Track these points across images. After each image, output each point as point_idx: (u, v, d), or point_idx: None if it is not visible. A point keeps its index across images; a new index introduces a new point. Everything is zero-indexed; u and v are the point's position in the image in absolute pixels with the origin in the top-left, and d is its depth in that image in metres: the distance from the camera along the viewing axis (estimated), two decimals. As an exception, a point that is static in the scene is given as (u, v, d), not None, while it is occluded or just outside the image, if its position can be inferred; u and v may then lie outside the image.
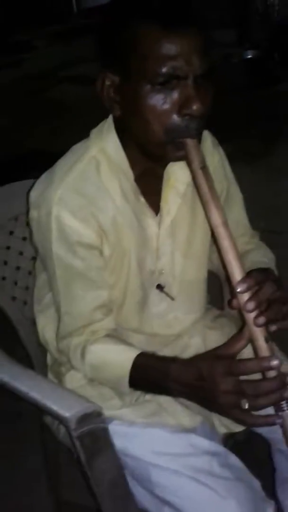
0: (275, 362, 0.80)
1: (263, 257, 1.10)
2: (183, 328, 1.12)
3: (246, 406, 0.80)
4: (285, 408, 0.82)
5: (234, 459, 0.98)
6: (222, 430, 1.07)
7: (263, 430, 1.11)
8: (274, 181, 3.39)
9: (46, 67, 7.54)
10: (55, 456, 1.23)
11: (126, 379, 0.93)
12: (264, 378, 0.82)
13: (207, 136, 1.09)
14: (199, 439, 0.98)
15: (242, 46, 6.70)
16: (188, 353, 1.08)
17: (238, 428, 1.07)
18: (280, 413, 0.83)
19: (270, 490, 1.07)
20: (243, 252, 1.14)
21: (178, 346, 1.11)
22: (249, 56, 6.21)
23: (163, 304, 1.08)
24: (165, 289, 1.07)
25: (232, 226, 1.13)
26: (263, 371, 0.82)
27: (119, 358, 0.94)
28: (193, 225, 1.06)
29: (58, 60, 7.64)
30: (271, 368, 0.81)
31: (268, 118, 4.63)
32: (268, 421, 0.83)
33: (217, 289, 1.23)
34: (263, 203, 2.99)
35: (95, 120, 1.02)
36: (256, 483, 0.97)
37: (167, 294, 1.07)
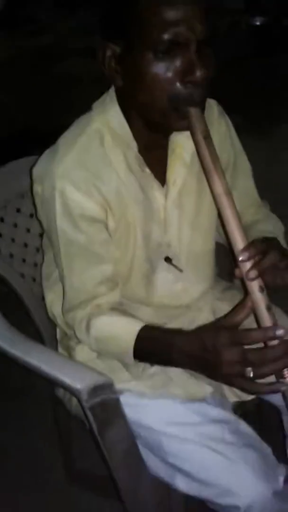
0: (280, 332, 0.81)
1: (272, 227, 1.10)
2: (191, 299, 1.12)
3: (251, 375, 0.80)
4: (287, 376, 0.83)
5: (244, 427, 1.00)
6: (232, 398, 1.08)
7: (273, 399, 1.12)
8: (286, 151, 3.34)
9: (52, 41, 7.42)
10: (67, 428, 1.26)
11: (131, 351, 0.94)
12: (268, 346, 0.82)
13: (213, 104, 1.07)
14: (209, 407, 1.00)
15: (250, 13, 6.54)
16: (197, 324, 1.09)
17: (249, 396, 1.08)
18: (281, 381, 0.83)
19: (282, 456, 1.09)
20: (251, 222, 1.14)
21: (187, 318, 1.12)
22: (257, 23, 6.06)
23: (171, 276, 1.08)
24: (173, 262, 1.07)
25: (240, 197, 1.13)
26: (268, 340, 0.82)
27: (124, 331, 0.95)
28: (200, 196, 1.05)
29: (63, 32, 7.52)
30: (275, 338, 0.81)
31: (278, 86, 4.55)
32: (273, 389, 0.84)
33: (226, 261, 1.23)
34: (275, 174, 2.96)
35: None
36: (267, 449, 0.99)
37: (176, 266, 1.07)
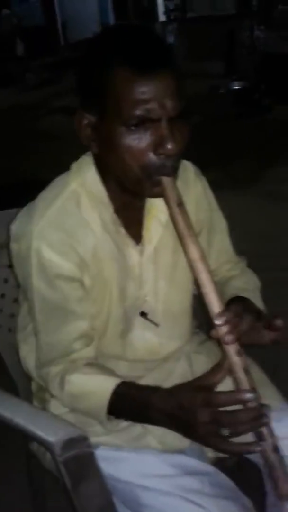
0: (249, 395, 0.82)
1: (246, 284, 1.12)
2: (167, 353, 1.12)
3: (226, 433, 0.81)
4: (267, 438, 0.84)
5: (224, 479, 0.98)
6: (211, 454, 1.06)
7: (252, 456, 1.11)
8: (262, 206, 3.44)
9: (36, 98, 7.67)
10: (41, 484, 1.21)
11: (105, 409, 0.93)
12: (241, 409, 0.83)
13: (189, 166, 1.11)
14: (187, 459, 0.98)
15: (229, 77, 6.86)
16: (173, 378, 1.09)
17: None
18: (261, 442, 0.84)
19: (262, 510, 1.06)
20: (227, 278, 1.16)
21: (164, 371, 1.11)
22: (236, 87, 6.34)
23: (147, 331, 1.08)
24: (149, 316, 1.07)
25: (216, 254, 1.17)
26: (239, 403, 0.83)
27: (98, 388, 0.94)
28: (176, 251, 1.07)
29: (48, 91, 7.79)
30: (246, 401, 0.82)
31: (255, 146, 4.72)
32: (248, 449, 0.84)
33: (205, 313, 1.24)
34: (251, 227, 3.03)
35: (85, 149, 1.04)
36: (248, 502, 0.96)
37: (151, 321, 1.08)
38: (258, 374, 1.15)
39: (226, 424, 0.81)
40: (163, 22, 9.35)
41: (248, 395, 0.82)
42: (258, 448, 0.82)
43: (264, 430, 0.83)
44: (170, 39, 8.94)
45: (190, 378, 1.06)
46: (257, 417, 0.81)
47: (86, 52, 0.91)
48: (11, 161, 4.53)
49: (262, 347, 0.94)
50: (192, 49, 8.54)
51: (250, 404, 0.82)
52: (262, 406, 0.83)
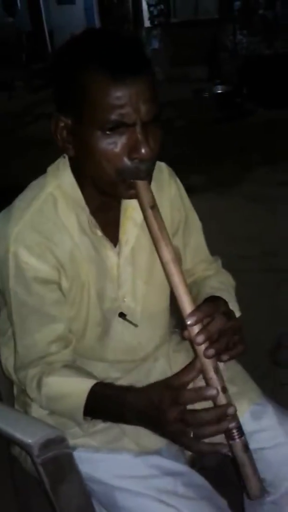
0: (213, 392, 0.84)
1: (221, 284, 1.14)
2: (146, 353, 1.14)
3: (191, 435, 0.83)
4: (236, 437, 0.86)
5: (198, 479, 0.99)
6: (189, 451, 1.07)
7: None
8: (244, 208, 3.46)
9: (23, 105, 7.66)
10: (25, 488, 1.21)
11: (81, 410, 0.94)
12: (205, 409, 0.85)
13: (163, 168, 1.13)
14: (162, 460, 0.99)
15: (213, 81, 6.91)
16: (153, 377, 1.09)
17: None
18: (230, 442, 0.86)
19: (239, 510, 1.07)
20: (202, 278, 1.18)
21: (143, 370, 1.13)
22: (219, 91, 6.38)
23: (126, 332, 1.09)
24: (128, 317, 1.08)
25: (192, 253, 1.18)
26: (204, 400, 0.85)
27: (74, 389, 0.95)
28: (153, 252, 1.08)
29: (34, 98, 7.79)
30: (212, 398, 0.84)
31: (237, 149, 4.75)
32: (215, 450, 0.85)
33: (179, 314, 1.25)
34: (234, 229, 3.05)
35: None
36: (223, 502, 0.97)
37: (130, 322, 1.09)
38: (237, 369, 1.17)
39: (191, 423, 0.83)
40: (147, 28, 9.39)
41: (212, 392, 0.84)
42: (225, 450, 0.85)
43: (234, 430, 0.85)
44: (155, 44, 8.99)
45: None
46: (221, 417, 0.83)
47: (62, 55, 0.92)
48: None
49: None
50: (176, 54, 8.59)
51: (218, 402, 0.84)
52: (228, 405, 0.85)
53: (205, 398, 0.85)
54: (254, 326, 2.09)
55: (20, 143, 5.69)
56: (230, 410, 0.84)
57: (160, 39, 9.06)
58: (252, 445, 1.03)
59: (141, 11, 9.64)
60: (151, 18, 9.34)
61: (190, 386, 0.87)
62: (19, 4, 13.70)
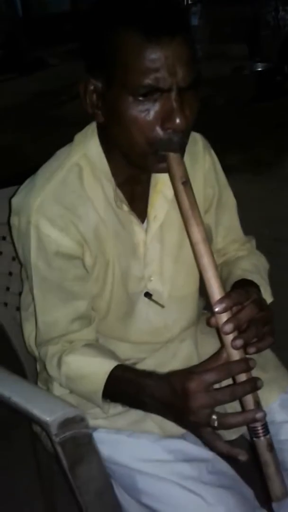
0: (243, 365, 0.80)
1: (254, 266, 1.08)
2: (172, 335, 1.09)
3: (216, 424, 0.78)
4: (261, 435, 0.81)
5: (224, 466, 0.94)
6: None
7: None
8: (282, 189, 3.36)
9: (58, 84, 7.66)
10: (47, 466, 1.20)
11: (100, 392, 0.91)
12: (234, 384, 0.81)
13: (198, 139, 1.06)
14: (187, 445, 0.95)
15: (253, 59, 6.72)
16: (178, 359, 1.06)
17: (232, 435, 1.03)
18: (255, 439, 0.81)
19: (265, 498, 1.03)
20: (234, 259, 1.12)
21: (168, 352, 1.08)
22: (259, 69, 6.21)
23: (152, 313, 1.05)
24: (154, 297, 1.04)
25: (224, 232, 1.13)
26: (234, 375, 0.81)
27: (94, 371, 0.92)
28: (183, 231, 1.03)
29: (71, 77, 7.76)
30: (240, 372, 0.80)
31: (277, 128, 4.62)
32: (233, 453, 0.81)
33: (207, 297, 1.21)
34: (270, 211, 2.97)
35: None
36: (249, 492, 0.93)
37: (156, 302, 1.04)
38: (269, 356, 1.11)
39: (221, 401, 0.79)
40: (188, 4, 9.20)
41: (242, 365, 0.79)
42: (244, 458, 0.80)
43: (259, 427, 0.81)
44: (195, 21, 8.80)
45: (195, 359, 1.04)
46: (252, 390, 0.79)
47: (93, 13, 0.85)
48: (31, 149, 4.54)
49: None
50: (216, 30, 8.39)
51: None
52: (256, 379, 0.81)
53: (238, 373, 0.81)
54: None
55: (56, 123, 5.68)
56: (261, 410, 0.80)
57: (200, 15, 8.86)
58: (282, 436, 0.99)
59: (181, -13, 9.42)
60: (191, -5, 9.12)
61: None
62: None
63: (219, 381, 0.81)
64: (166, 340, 1.09)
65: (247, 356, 0.83)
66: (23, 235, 0.94)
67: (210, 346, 1.02)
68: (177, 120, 0.81)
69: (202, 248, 0.83)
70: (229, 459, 0.97)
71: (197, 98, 0.85)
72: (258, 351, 0.85)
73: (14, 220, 0.96)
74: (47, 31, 11.35)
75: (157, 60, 0.78)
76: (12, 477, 1.61)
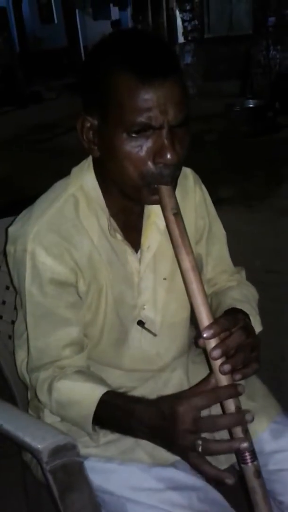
0: (233, 391, 0.81)
1: (244, 296, 1.10)
2: (165, 363, 1.10)
3: (200, 449, 0.79)
4: (248, 461, 0.82)
5: (215, 494, 0.95)
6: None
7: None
8: (273, 222, 3.41)
9: (54, 117, 7.80)
10: (36, 496, 1.19)
11: (90, 419, 0.91)
12: (222, 414, 0.82)
13: (189, 173, 1.10)
14: (177, 473, 0.95)
15: (245, 96, 6.89)
16: (169, 388, 1.07)
17: (223, 465, 1.03)
18: (242, 465, 0.82)
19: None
20: (224, 289, 1.14)
21: (160, 381, 1.09)
22: (251, 105, 6.36)
23: (144, 341, 1.06)
24: (147, 325, 1.05)
25: (214, 262, 1.15)
26: (222, 400, 0.82)
27: (84, 398, 0.92)
28: (175, 260, 1.05)
29: (66, 110, 7.90)
30: (229, 397, 0.81)
31: (268, 163, 4.71)
32: (220, 477, 0.81)
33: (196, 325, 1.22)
34: (262, 243, 3.00)
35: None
36: None
37: (149, 331, 1.06)
38: (258, 385, 1.13)
39: (204, 429, 0.79)
40: (181, 43, 9.45)
41: (230, 391, 0.80)
42: (231, 482, 0.80)
43: (246, 454, 0.82)
44: (188, 59, 9.04)
45: (187, 388, 1.04)
46: (238, 424, 0.80)
47: (91, 55, 0.90)
48: (24, 181, 4.59)
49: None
50: (209, 69, 8.62)
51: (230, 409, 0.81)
52: (245, 412, 0.81)
53: (224, 399, 0.82)
54: (281, 341, 2.04)
55: (49, 156, 5.76)
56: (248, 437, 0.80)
57: (193, 54, 9.10)
58: (271, 466, 1.00)
59: (175, 26, 9.71)
60: (185, 34, 9.39)
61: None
62: (55, 19, 14.01)
63: (207, 406, 0.82)
64: (158, 369, 1.10)
65: (236, 382, 0.84)
66: (19, 262, 0.96)
67: (200, 376, 1.02)
68: (168, 156, 0.85)
69: (191, 275, 0.85)
70: (219, 487, 0.97)
71: (187, 134, 0.89)
72: (244, 377, 0.86)
73: (10, 249, 0.98)
74: (44, 65, 11.62)
75: (150, 100, 0.82)
76: (1, 507, 1.59)
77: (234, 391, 0.81)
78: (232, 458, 0.99)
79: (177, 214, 0.88)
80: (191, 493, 0.92)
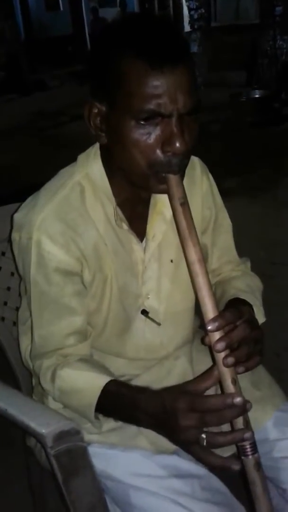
0: (238, 399, 0.79)
1: (248, 286, 1.10)
2: (168, 352, 1.10)
3: (204, 443, 0.79)
4: (249, 454, 0.82)
5: (217, 482, 0.95)
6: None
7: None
8: (278, 213, 3.40)
9: (58, 106, 7.77)
10: (40, 480, 1.20)
11: (92, 408, 0.91)
12: (226, 407, 0.81)
13: (196, 162, 1.09)
14: (180, 461, 0.96)
15: (251, 86, 6.85)
16: (173, 376, 1.07)
17: (226, 453, 1.03)
18: (243, 458, 0.82)
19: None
20: (228, 278, 1.14)
21: (163, 368, 1.09)
22: (257, 96, 6.32)
23: (148, 330, 1.06)
24: (151, 314, 1.06)
25: (220, 252, 1.15)
26: (226, 407, 0.81)
27: (87, 386, 0.92)
28: (180, 251, 1.05)
29: (71, 98, 7.87)
30: (233, 405, 0.80)
31: (274, 154, 4.69)
32: (225, 465, 0.81)
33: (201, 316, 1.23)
34: (266, 234, 3.00)
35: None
36: (240, 508, 0.93)
37: (153, 320, 1.06)
38: (263, 374, 1.13)
39: (209, 424, 0.79)
40: (188, 32, 9.38)
41: (237, 399, 0.79)
42: (237, 467, 0.80)
43: (247, 446, 0.82)
44: (194, 48, 8.97)
45: (190, 376, 1.05)
46: (241, 412, 0.80)
47: (99, 39, 0.89)
48: (30, 169, 4.58)
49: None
50: (215, 58, 8.55)
51: (239, 422, 0.81)
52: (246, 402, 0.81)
53: (231, 405, 0.80)
54: (284, 331, 2.05)
55: (53, 143, 5.75)
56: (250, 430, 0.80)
57: (200, 43, 9.03)
58: (275, 454, 1.00)
59: (182, 15, 9.64)
60: (191, 22, 9.32)
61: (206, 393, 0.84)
62: (61, 6, 13.91)
63: (208, 411, 0.81)
64: (161, 357, 1.10)
65: (239, 374, 0.84)
66: (24, 250, 0.96)
67: (204, 364, 1.03)
68: (177, 144, 0.84)
69: (197, 268, 0.84)
70: (222, 475, 0.98)
71: (196, 123, 0.88)
72: (247, 370, 0.86)
73: (15, 236, 0.98)
74: (49, 53, 11.56)
75: (160, 87, 0.81)
76: (4, 493, 1.60)
77: (240, 410, 0.81)
78: (234, 447, 1.00)
79: (185, 203, 0.87)
80: (194, 481, 0.93)
